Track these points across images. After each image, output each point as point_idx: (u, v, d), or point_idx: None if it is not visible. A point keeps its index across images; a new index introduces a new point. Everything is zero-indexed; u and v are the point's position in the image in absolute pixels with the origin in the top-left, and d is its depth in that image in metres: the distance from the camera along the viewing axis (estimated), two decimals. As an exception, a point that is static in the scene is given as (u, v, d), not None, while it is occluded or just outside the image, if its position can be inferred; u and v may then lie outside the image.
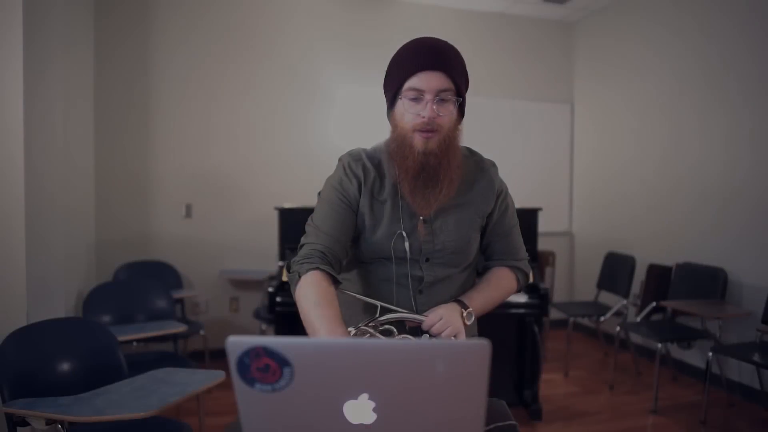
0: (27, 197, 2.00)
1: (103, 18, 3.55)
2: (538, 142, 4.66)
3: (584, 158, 4.67)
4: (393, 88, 1.11)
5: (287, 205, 3.24)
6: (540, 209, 3.12)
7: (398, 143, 1.12)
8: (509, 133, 4.55)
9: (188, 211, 3.76)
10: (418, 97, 1.07)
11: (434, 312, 1.13)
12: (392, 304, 1.17)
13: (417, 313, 1.17)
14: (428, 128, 1.07)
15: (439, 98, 1.07)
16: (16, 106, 1.95)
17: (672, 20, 3.69)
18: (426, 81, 1.06)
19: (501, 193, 1.26)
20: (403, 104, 1.10)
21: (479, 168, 1.24)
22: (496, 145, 4.51)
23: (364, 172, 1.18)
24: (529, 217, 3.08)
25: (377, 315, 1.15)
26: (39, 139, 2.23)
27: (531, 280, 1.32)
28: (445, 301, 1.18)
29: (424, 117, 1.07)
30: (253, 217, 3.83)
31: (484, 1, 4.27)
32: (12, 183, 1.95)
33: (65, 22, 2.68)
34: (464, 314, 1.14)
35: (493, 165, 1.28)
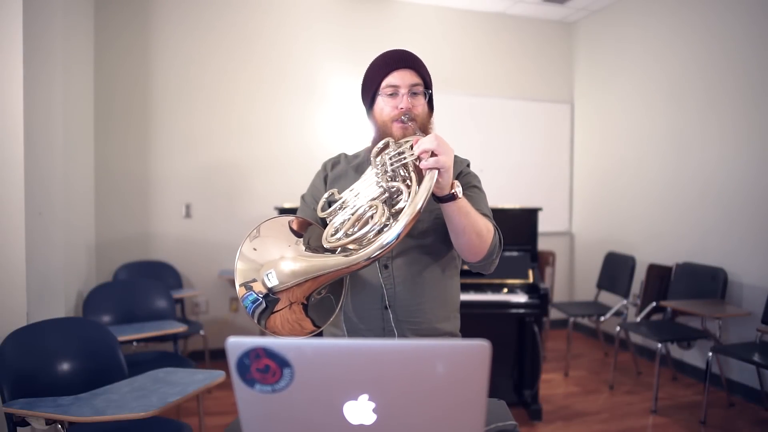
0: (27, 197, 2.00)
1: (103, 18, 3.55)
2: (538, 142, 4.66)
3: (584, 158, 4.67)
4: (372, 88, 1.28)
5: (287, 205, 3.24)
6: (540, 209, 3.12)
7: (379, 134, 1.27)
8: (509, 133, 4.55)
9: (188, 211, 3.76)
10: (394, 92, 1.25)
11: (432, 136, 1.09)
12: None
13: (385, 285, 1.24)
14: (406, 118, 1.23)
15: (412, 92, 1.25)
16: (16, 106, 1.96)
17: (672, 20, 3.69)
18: (400, 78, 1.24)
19: (461, 172, 1.36)
20: (382, 100, 1.27)
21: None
22: (497, 145, 4.51)
23: (333, 165, 1.40)
24: (529, 217, 3.08)
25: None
26: (39, 138, 2.23)
27: (500, 246, 1.22)
28: (415, 273, 1.25)
29: (401, 108, 1.23)
30: (253, 217, 3.83)
31: (484, 1, 4.27)
32: (12, 183, 1.95)
33: (65, 21, 2.68)
34: (455, 182, 1.09)
35: (465, 160, 1.40)
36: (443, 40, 4.38)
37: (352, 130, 4.02)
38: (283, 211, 3.11)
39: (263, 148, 3.91)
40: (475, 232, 1.13)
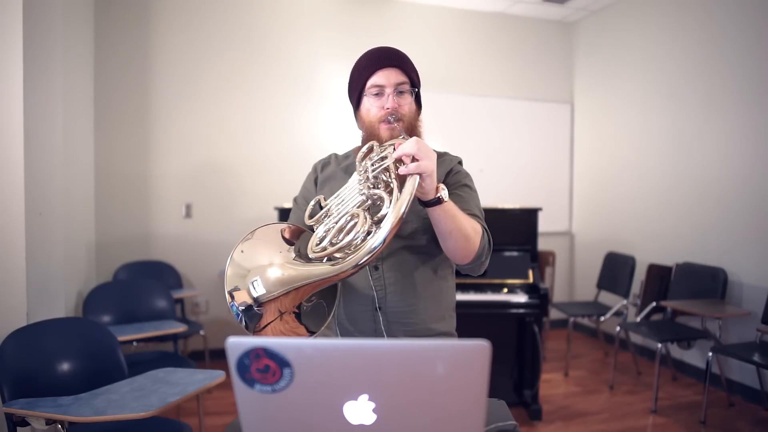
0: (27, 197, 2.00)
1: (103, 18, 3.55)
2: (538, 142, 4.66)
3: (584, 158, 4.67)
4: (357, 89, 1.26)
5: (287, 205, 3.24)
6: (540, 209, 3.12)
7: (367, 135, 1.25)
8: (509, 133, 4.55)
9: (188, 211, 3.76)
10: (379, 92, 1.22)
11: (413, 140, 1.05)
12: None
13: (375, 287, 1.22)
14: (393, 118, 1.20)
15: (398, 90, 1.22)
16: (16, 106, 1.96)
17: (672, 20, 3.69)
18: (385, 77, 1.22)
19: (452, 170, 1.32)
20: (367, 101, 1.24)
21: (441, 160, 1.32)
22: (496, 145, 4.51)
23: (323, 166, 1.39)
24: (529, 217, 3.08)
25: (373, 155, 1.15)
26: (39, 139, 2.23)
27: (490, 247, 1.20)
28: (406, 275, 1.24)
29: (388, 108, 1.21)
30: (253, 217, 3.83)
31: (484, 1, 4.27)
32: (12, 183, 1.95)
33: (65, 22, 2.68)
34: (440, 186, 1.07)
35: (457, 157, 1.37)
36: (443, 40, 4.38)
37: (351, 131, 4.01)
38: (283, 212, 3.12)
39: (263, 148, 3.91)
40: (462, 235, 1.11)
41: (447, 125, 4.32)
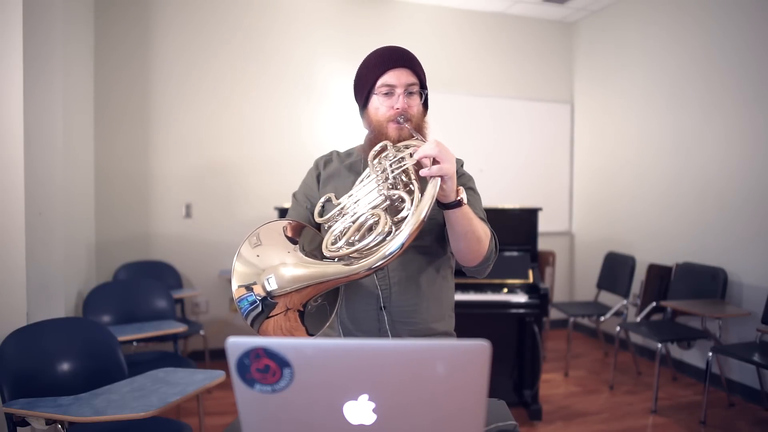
0: (27, 197, 2.00)
1: (103, 17, 3.55)
2: (538, 142, 4.66)
3: (584, 158, 4.67)
4: (366, 87, 1.25)
5: (287, 204, 3.24)
6: (540, 209, 3.12)
7: (374, 134, 1.24)
8: (509, 133, 4.55)
9: (188, 211, 3.76)
10: (389, 91, 1.22)
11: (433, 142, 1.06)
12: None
13: (380, 286, 1.22)
14: (402, 119, 1.21)
15: (408, 91, 1.23)
16: (16, 106, 1.96)
17: (672, 20, 3.69)
18: (396, 77, 1.22)
19: (456, 173, 1.32)
20: (377, 100, 1.24)
21: None
22: (496, 145, 4.51)
23: (326, 163, 1.37)
24: (529, 217, 3.08)
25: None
26: (39, 139, 2.23)
27: (495, 250, 1.21)
28: (411, 274, 1.24)
29: (397, 108, 1.21)
30: (253, 217, 3.83)
31: (484, 1, 4.27)
32: (12, 183, 1.95)
33: (65, 22, 2.68)
34: (461, 188, 1.07)
35: (459, 160, 1.36)
36: (443, 40, 4.38)
37: (351, 131, 4.02)
38: (283, 211, 3.12)
39: (263, 148, 3.91)
40: (475, 237, 1.12)
41: (447, 125, 4.32)
